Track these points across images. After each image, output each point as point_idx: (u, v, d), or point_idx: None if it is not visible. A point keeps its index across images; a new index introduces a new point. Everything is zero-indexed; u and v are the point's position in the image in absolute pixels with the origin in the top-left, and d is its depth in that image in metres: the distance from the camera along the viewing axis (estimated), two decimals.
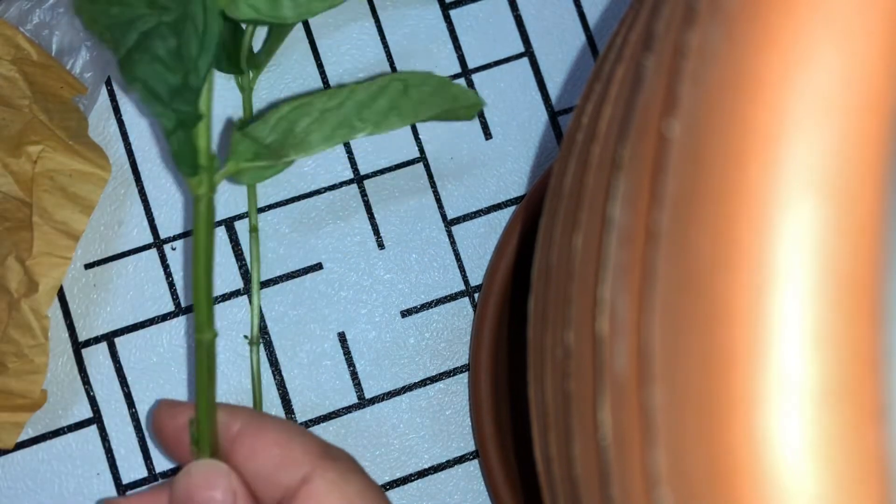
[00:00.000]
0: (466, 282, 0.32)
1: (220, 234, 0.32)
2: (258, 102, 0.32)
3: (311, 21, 0.33)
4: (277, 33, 0.31)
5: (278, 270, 0.32)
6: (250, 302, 0.31)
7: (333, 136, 0.24)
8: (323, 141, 0.24)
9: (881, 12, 0.11)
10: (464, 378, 0.32)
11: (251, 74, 0.31)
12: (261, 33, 0.32)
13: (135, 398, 0.31)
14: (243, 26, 0.31)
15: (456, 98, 0.25)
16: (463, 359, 0.32)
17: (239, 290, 0.31)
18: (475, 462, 0.31)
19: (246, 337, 0.30)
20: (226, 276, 0.31)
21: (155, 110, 0.22)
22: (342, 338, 0.31)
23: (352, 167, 0.32)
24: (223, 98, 0.32)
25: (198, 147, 0.23)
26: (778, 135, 0.11)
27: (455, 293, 0.32)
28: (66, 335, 0.31)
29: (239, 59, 0.31)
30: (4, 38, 0.29)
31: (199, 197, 0.23)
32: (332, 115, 0.24)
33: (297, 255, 0.32)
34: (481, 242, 0.32)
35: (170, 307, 0.31)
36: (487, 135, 0.33)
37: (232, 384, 0.31)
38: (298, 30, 0.33)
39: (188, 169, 0.23)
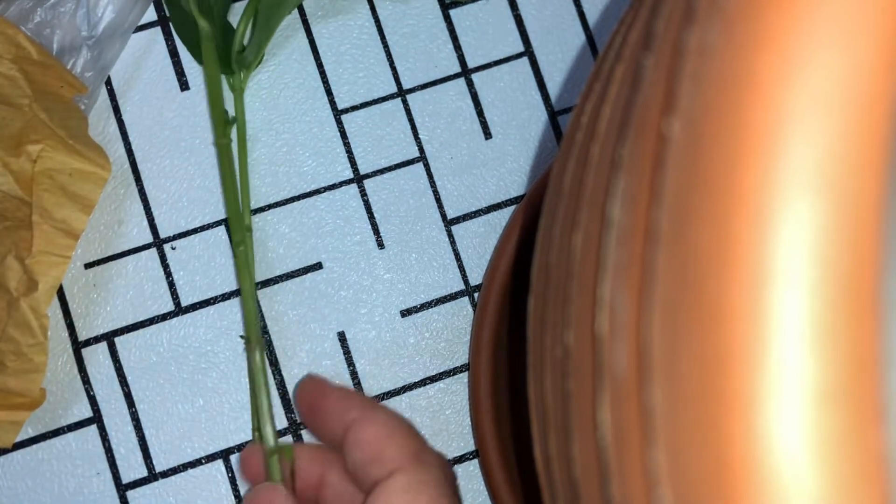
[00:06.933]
0: (466, 282, 0.32)
1: (220, 233, 0.32)
2: (258, 102, 0.32)
3: (310, 20, 0.33)
4: (263, 29, 0.31)
5: (278, 270, 0.32)
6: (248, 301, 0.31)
7: None
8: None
9: (881, 12, 0.11)
10: (464, 378, 0.32)
11: (242, 75, 0.31)
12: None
13: (135, 398, 0.31)
14: (234, 26, 0.32)
15: None
16: (463, 359, 0.32)
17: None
18: (475, 462, 0.31)
19: (242, 337, 0.30)
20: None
21: None
22: (342, 337, 0.31)
23: (352, 167, 0.32)
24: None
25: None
26: (777, 134, 0.11)
27: (455, 293, 0.32)
28: (66, 335, 0.31)
29: (230, 60, 0.31)
30: (5, 37, 0.29)
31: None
32: None
33: (296, 255, 0.32)
34: (481, 242, 0.32)
35: (170, 307, 0.31)
36: (487, 134, 0.33)
37: (232, 384, 0.31)
38: (298, 29, 0.33)
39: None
